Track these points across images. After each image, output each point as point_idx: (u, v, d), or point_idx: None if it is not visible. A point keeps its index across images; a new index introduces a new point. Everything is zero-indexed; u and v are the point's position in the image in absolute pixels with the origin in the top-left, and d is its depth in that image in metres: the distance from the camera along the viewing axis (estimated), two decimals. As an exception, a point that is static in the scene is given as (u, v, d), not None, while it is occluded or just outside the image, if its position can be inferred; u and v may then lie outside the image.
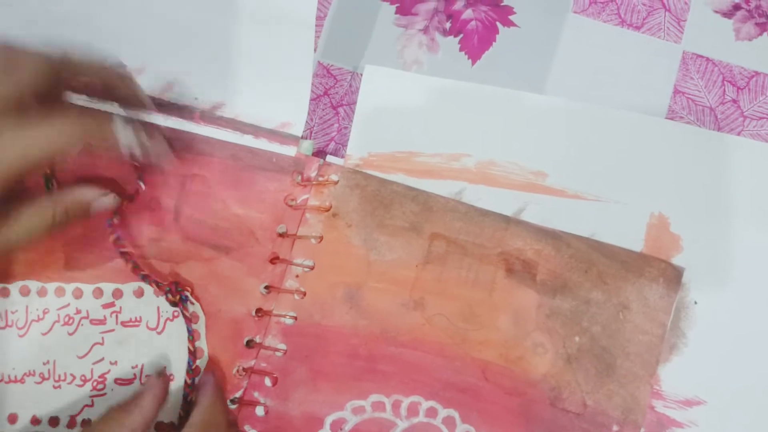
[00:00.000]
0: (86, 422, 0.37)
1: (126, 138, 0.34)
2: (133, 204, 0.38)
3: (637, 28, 0.41)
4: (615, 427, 0.37)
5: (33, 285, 0.38)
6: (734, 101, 0.41)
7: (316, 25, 0.41)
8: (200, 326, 0.38)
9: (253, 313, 0.38)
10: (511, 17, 0.41)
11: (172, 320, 0.38)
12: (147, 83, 0.40)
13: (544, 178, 0.39)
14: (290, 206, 0.39)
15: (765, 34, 0.41)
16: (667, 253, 0.39)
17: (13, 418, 0.37)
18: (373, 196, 0.39)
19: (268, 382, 0.38)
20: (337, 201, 0.39)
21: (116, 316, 0.38)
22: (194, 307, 0.38)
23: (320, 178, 0.39)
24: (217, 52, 0.40)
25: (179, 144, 0.39)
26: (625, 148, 0.40)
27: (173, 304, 0.37)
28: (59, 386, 0.38)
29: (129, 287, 0.38)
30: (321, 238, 0.39)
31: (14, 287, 0.38)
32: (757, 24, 0.41)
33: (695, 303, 0.38)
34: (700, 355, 0.38)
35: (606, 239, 0.38)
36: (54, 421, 0.38)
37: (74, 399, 0.38)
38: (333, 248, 0.38)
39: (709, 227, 0.39)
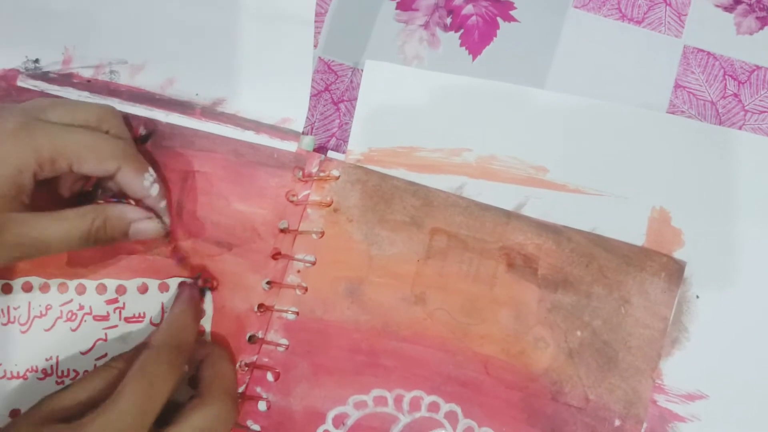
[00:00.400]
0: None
1: (147, 190, 0.35)
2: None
3: (638, 22, 0.41)
4: (617, 422, 0.37)
5: (35, 281, 0.38)
6: (735, 95, 0.41)
7: (317, 21, 0.41)
8: (206, 321, 0.38)
9: (256, 308, 0.38)
10: (511, 12, 0.41)
11: (174, 316, 0.38)
12: (148, 79, 0.40)
13: (545, 172, 0.39)
14: (291, 202, 0.39)
15: (766, 28, 0.41)
16: (668, 247, 0.39)
17: (15, 414, 0.37)
18: (374, 191, 0.39)
19: (270, 377, 0.38)
20: (338, 196, 0.39)
21: (119, 312, 0.38)
22: (205, 305, 0.38)
23: (321, 174, 0.39)
24: (218, 48, 0.40)
25: (180, 140, 0.39)
26: (626, 142, 0.40)
27: (202, 291, 0.38)
28: (62, 382, 0.38)
29: (132, 283, 0.38)
30: (322, 233, 0.39)
31: (16, 283, 0.38)
32: (758, 18, 0.41)
33: (697, 297, 0.38)
34: (702, 350, 0.38)
35: (607, 233, 0.38)
36: (57, 416, 0.38)
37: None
38: (334, 243, 0.39)
39: (710, 221, 0.39)
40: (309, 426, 0.37)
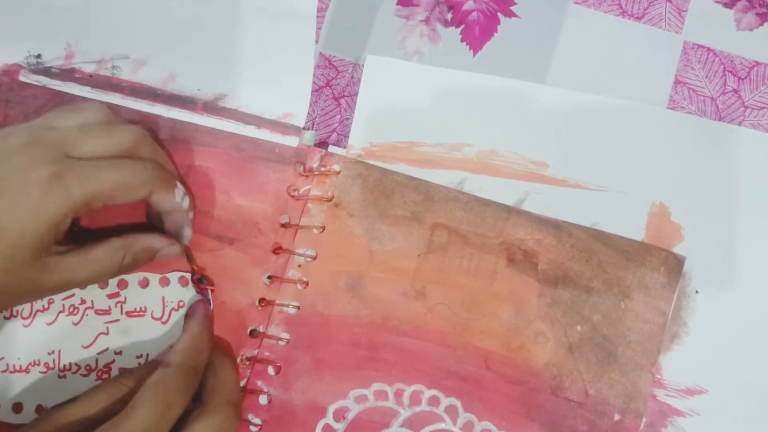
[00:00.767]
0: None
1: (179, 204, 0.36)
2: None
3: (638, 18, 0.41)
4: (616, 416, 0.37)
5: (38, 275, 0.38)
6: (735, 91, 0.41)
7: (318, 17, 0.41)
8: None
9: (257, 302, 0.38)
10: (512, 8, 0.42)
11: (177, 310, 0.38)
12: (150, 74, 0.40)
13: (546, 168, 0.39)
14: (292, 197, 0.39)
15: (766, 24, 0.41)
16: (668, 242, 0.39)
17: (18, 407, 0.38)
18: (374, 186, 0.39)
19: (271, 371, 0.38)
20: (339, 191, 0.39)
21: (121, 306, 0.38)
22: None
23: (322, 169, 0.39)
24: (219, 43, 0.40)
25: (182, 135, 0.39)
26: (626, 138, 0.40)
27: (199, 290, 0.38)
28: (64, 376, 0.38)
29: (134, 278, 0.38)
30: (323, 228, 0.39)
31: (19, 277, 0.38)
32: (757, 14, 0.41)
33: (696, 292, 0.38)
34: (701, 344, 0.38)
35: (607, 229, 0.39)
36: (59, 410, 0.38)
37: (79, 388, 0.38)
38: (335, 238, 0.39)
39: (710, 217, 0.39)
40: (310, 420, 0.37)
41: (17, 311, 0.38)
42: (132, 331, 0.38)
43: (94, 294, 0.38)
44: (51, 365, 0.38)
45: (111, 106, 0.39)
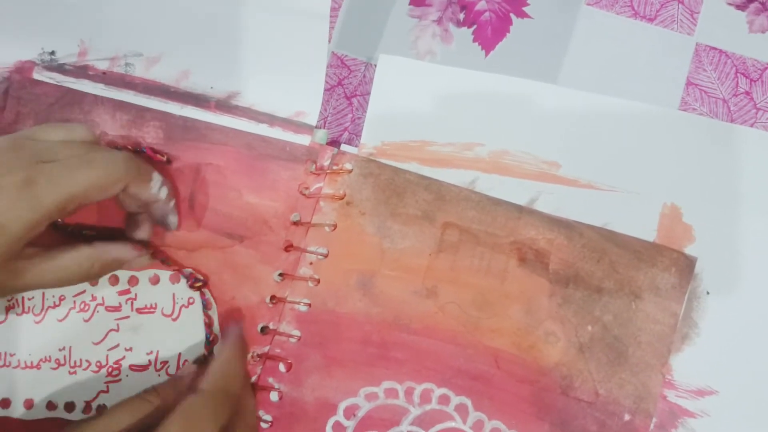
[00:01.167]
0: (102, 408, 0.38)
1: (156, 195, 0.36)
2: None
3: (651, 20, 0.41)
4: (626, 416, 0.37)
5: (49, 271, 0.38)
6: (747, 93, 0.41)
7: (331, 16, 0.41)
8: (213, 312, 0.38)
9: (268, 300, 0.38)
10: (524, 8, 0.42)
11: (187, 307, 0.38)
12: (163, 72, 0.40)
13: (557, 168, 0.39)
14: (304, 195, 0.39)
15: (778, 26, 0.41)
16: (679, 243, 0.39)
17: (29, 403, 0.38)
18: (386, 184, 0.39)
19: (282, 367, 0.38)
20: (351, 189, 0.39)
21: (131, 303, 0.38)
22: (206, 296, 0.38)
23: (334, 167, 0.39)
24: (232, 42, 0.40)
25: (194, 133, 0.39)
26: (638, 139, 0.40)
27: (195, 288, 0.38)
28: (75, 372, 0.38)
29: (145, 274, 0.39)
30: (335, 226, 0.39)
31: (31, 273, 0.38)
32: (770, 16, 0.41)
33: (707, 293, 0.38)
34: (712, 345, 0.38)
35: (618, 229, 0.39)
36: (70, 406, 0.38)
37: (90, 385, 0.38)
38: (346, 236, 0.39)
39: (721, 218, 0.39)
40: (320, 417, 0.38)
41: (29, 308, 0.38)
42: (142, 327, 0.38)
43: (105, 291, 0.38)
44: (62, 361, 0.38)
45: (123, 104, 0.40)
